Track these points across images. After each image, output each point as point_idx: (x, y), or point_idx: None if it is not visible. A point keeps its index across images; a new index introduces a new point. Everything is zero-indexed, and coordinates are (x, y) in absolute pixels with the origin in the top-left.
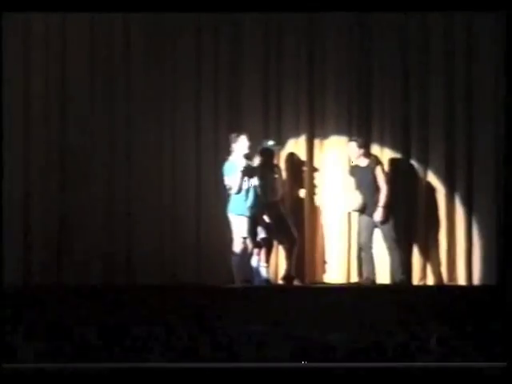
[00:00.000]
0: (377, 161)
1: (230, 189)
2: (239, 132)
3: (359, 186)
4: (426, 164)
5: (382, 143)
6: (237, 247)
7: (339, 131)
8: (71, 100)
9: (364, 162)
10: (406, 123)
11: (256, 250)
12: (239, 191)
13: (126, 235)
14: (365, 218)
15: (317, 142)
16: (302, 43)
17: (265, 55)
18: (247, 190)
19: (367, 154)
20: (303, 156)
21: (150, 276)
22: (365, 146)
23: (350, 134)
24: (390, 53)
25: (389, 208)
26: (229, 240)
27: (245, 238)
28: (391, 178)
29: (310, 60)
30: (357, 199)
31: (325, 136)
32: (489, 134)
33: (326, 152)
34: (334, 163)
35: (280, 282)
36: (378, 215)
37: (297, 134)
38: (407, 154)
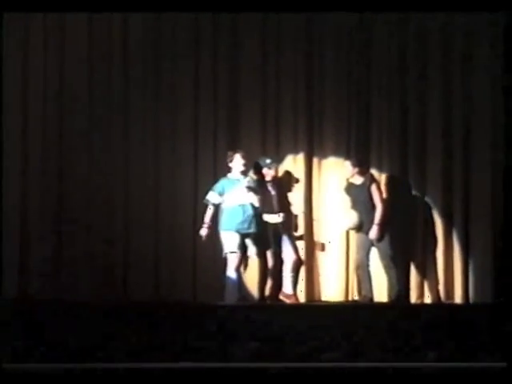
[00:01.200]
0: (372, 179)
1: (218, 205)
2: (236, 150)
3: (355, 204)
4: (423, 182)
5: (380, 163)
6: (230, 264)
7: (337, 152)
8: (69, 114)
9: (359, 180)
10: (403, 143)
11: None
12: (231, 208)
13: (124, 252)
14: (361, 236)
15: (315, 161)
16: (300, 62)
17: (263, 73)
18: (240, 207)
19: (362, 173)
20: (301, 174)
21: (145, 293)
22: (359, 165)
23: (348, 154)
24: (389, 71)
25: (384, 226)
26: (224, 257)
27: (236, 253)
28: (389, 197)
29: (308, 80)
30: (352, 217)
31: (323, 156)
32: (486, 153)
33: (324, 171)
34: (332, 181)
35: (275, 299)
36: (374, 233)
37: (295, 154)
38: (405, 173)
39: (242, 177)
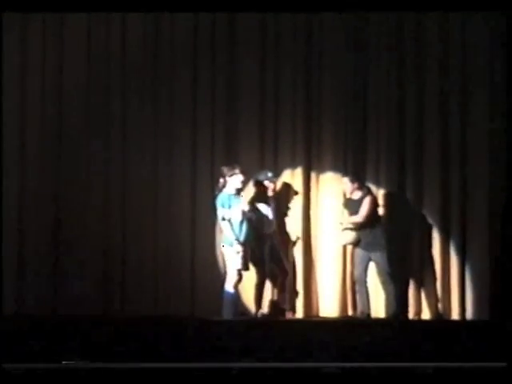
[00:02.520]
0: (368, 192)
1: (225, 220)
2: (234, 165)
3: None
4: (420, 197)
5: (377, 177)
6: (230, 280)
7: (335, 167)
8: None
9: (357, 195)
10: (401, 157)
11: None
12: (235, 223)
13: (121, 267)
14: (360, 251)
15: (313, 176)
16: (298, 79)
17: (261, 87)
18: (242, 222)
19: (360, 188)
20: (299, 189)
21: (143, 308)
22: (357, 180)
23: (346, 168)
24: (387, 84)
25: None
26: (222, 272)
27: (239, 270)
28: (386, 212)
29: (306, 93)
30: (350, 232)
31: (321, 170)
32: (484, 167)
33: (322, 186)
34: (330, 195)
35: (273, 315)
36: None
37: (293, 169)
38: (402, 188)
39: (237, 193)
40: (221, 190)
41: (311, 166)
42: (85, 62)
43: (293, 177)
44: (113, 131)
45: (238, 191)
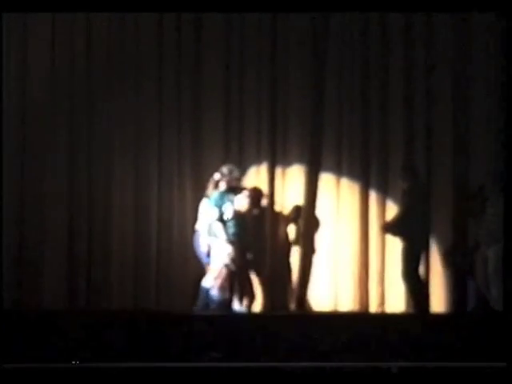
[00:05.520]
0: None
1: (218, 220)
2: (230, 166)
3: None
4: (385, 185)
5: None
6: (211, 274)
7: (301, 159)
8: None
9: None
10: (366, 151)
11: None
12: (227, 222)
13: (87, 259)
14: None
15: (278, 171)
16: (263, 75)
17: (227, 81)
18: (234, 220)
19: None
20: (264, 185)
21: (111, 301)
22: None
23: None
24: (351, 77)
25: None
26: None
27: (226, 266)
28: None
29: (271, 87)
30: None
31: (287, 164)
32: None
33: (288, 179)
34: (296, 191)
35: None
36: None
37: (258, 164)
38: (366, 177)
39: (231, 191)
40: (215, 189)
41: (276, 162)
42: (49, 63)
43: (258, 173)
44: (78, 131)
45: (233, 190)
